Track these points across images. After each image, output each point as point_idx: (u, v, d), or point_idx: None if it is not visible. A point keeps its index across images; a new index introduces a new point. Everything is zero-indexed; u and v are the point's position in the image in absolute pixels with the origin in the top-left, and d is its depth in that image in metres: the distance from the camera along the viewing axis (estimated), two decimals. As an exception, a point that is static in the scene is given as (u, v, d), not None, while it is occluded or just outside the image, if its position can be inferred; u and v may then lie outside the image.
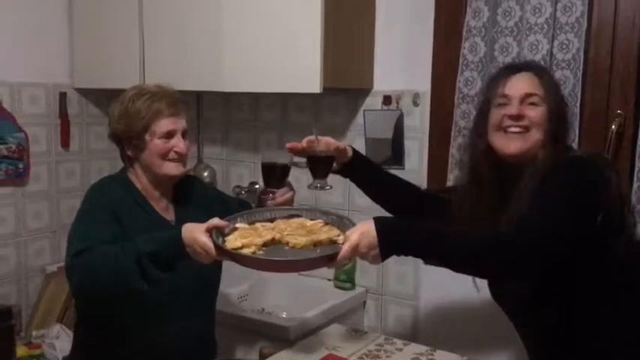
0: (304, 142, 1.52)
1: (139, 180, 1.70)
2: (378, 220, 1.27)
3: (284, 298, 2.44)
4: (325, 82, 2.05)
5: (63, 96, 2.65)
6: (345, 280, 2.42)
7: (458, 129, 2.11)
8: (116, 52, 2.52)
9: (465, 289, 2.14)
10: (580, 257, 1.34)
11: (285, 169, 1.55)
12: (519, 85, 1.43)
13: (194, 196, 1.77)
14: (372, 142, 2.36)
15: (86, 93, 2.73)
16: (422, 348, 1.82)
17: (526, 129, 1.42)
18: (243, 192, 2.62)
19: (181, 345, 1.67)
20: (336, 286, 2.43)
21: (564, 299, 1.41)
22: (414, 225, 1.34)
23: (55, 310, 2.47)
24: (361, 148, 2.37)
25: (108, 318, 1.63)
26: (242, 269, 1.76)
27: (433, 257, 1.33)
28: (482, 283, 1.61)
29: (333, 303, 2.22)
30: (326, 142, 1.54)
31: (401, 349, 1.81)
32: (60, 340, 2.29)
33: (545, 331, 1.48)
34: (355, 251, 1.25)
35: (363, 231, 1.26)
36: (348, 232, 1.27)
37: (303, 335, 1.99)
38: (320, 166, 1.55)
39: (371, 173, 1.69)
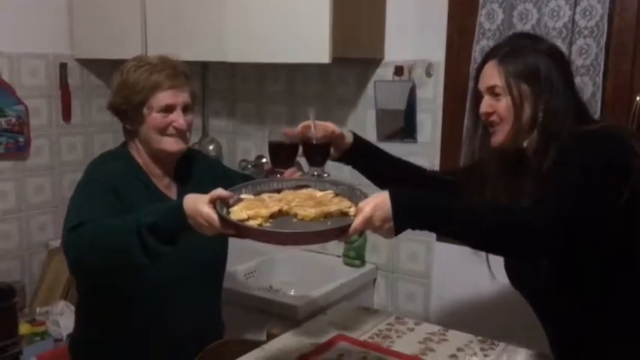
0: (300, 127, 1.45)
1: (140, 155, 1.65)
2: (393, 192, 1.21)
3: (292, 275, 2.40)
4: (334, 52, 1.98)
5: (63, 67, 2.61)
6: (355, 256, 2.38)
7: (473, 101, 2.03)
8: (117, 21, 2.46)
9: (477, 268, 2.11)
10: (603, 241, 1.28)
11: (293, 149, 1.48)
12: (484, 77, 1.41)
13: (198, 172, 1.72)
14: (382, 113, 2.29)
15: (87, 64, 2.68)
16: (434, 328, 1.80)
17: (497, 123, 1.39)
18: (249, 166, 2.57)
19: (187, 326, 1.64)
20: (346, 263, 2.39)
21: (585, 286, 1.37)
22: (430, 197, 1.28)
23: (58, 286, 2.46)
24: (372, 120, 2.32)
25: (110, 297, 1.59)
26: (249, 245, 1.73)
27: (450, 232, 1.27)
28: (497, 270, 1.56)
29: (342, 281, 2.18)
30: (324, 127, 1.47)
31: (412, 329, 1.78)
32: (64, 316, 2.28)
33: (564, 320, 1.44)
34: (368, 224, 1.19)
35: (377, 203, 1.19)
36: (360, 204, 1.21)
37: (311, 314, 1.96)
38: (315, 153, 1.47)
39: (374, 159, 1.62)
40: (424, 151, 2.21)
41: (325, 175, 1.47)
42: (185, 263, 1.60)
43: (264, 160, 2.57)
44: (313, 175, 1.45)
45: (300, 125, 1.46)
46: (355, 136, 1.57)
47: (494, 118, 1.39)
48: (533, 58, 1.37)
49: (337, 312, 1.90)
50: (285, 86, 2.55)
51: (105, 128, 2.77)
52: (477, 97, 1.45)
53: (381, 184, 1.63)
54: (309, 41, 1.99)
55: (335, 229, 1.19)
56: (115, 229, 1.33)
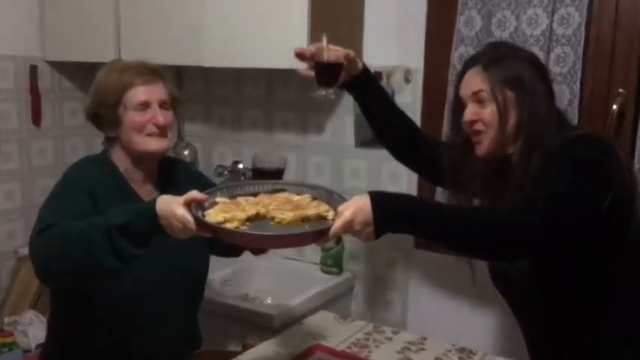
0: (313, 47, 1.46)
1: (121, 162, 1.61)
2: (373, 196, 1.20)
3: (268, 282, 2.38)
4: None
5: (33, 69, 2.56)
6: (333, 264, 2.37)
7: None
8: (90, 23, 2.42)
9: (455, 276, 2.13)
10: (584, 246, 1.29)
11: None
12: (467, 84, 1.42)
13: (180, 181, 1.68)
14: (361, 119, 2.26)
15: (58, 66, 2.64)
16: (412, 336, 1.79)
17: (482, 130, 1.41)
18: (225, 172, 2.55)
19: (165, 337, 1.60)
20: (323, 271, 2.38)
21: (566, 290, 1.38)
22: (411, 201, 1.29)
23: (27, 295, 2.40)
24: (350, 125, 2.32)
25: (84, 309, 1.55)
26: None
27: (431, 235, 1.26)
28: (479, 275, 1.57)
29: (319, 289, 2.17)
30: (336, 53, 1.47)
31: (390, 338, 1.77)
32: (33, 326, 2.23)
33: (545, 324, 1.44)
34: (348, 228, 1.18)
35: (358, 207, 1.18)
36: (340, 208, 1.19)
37: (288, 323, 1.95)
38: (327, 72, 1.47)
39: (377, 93, 1.63)
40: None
41: (332, 96, 1.49)
42: (165, 274, 1.57)
43: (240, 165, 2.55)
44: (321, 94, 1.46)
45: (314, 45, 1.46)
46: (365, 66, 1.58)
47: (478, 125, 1.40)
48: (517, 65, 1.39)
49: (314, 321, 1.88)
50: (263, 91, 2.53)
51: (76, 132, 2.73)
52: (458, 106, 1.45)
53: (376, 123, 1.66)
54: (287, 46, 1.97)
55: (314, 232, 1.18)
56: (83, 230, 1.28)
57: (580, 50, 1.83)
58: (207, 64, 2.20)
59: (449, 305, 2.20)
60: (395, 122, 1.65)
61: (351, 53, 1.51)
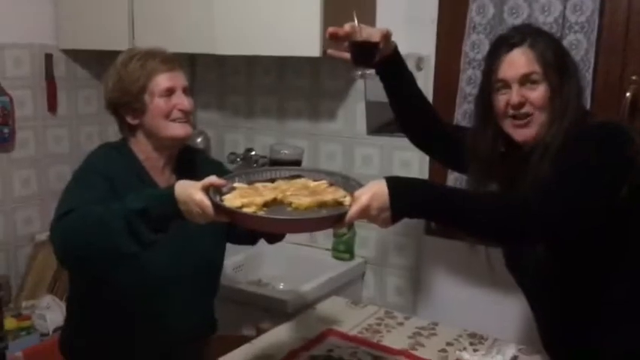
0: (347, 27, 1.42)
1: (142, 149, 1.62)
2: (390, 181, 1.19)
3: (280, 268, 2.40)
4: (325, 45, 1.96)
5: (49, 57, 2.57)
6: (344, 250, 2.38)
7: (463, 95, 2.04)
8: (104, 11, 2.43)
9: (466, 262, 2.13)
10: (600, 233, 1.29)
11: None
12: (514, 66, 1.37)
13: (197, 169, 1.68)
14: (372, 105, 2.28)
15: (73, 54, 2.65)
16: (423, 322, 1.81)
17: (530, 114, 1.37)
18: (238, 159, 2.56)
19: (180, 325, 1.62)
20: (335, 257, 2.39)
21: (581, 276, 1.38)
22: (428, 186, 1.28)
23: (45, 280, 2.43)
24: (362, 113, 2.32)
25: (101, 294, 1.57)
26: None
27: (447, 220, 1.27)
28: (495, 263, 1.57)
29: (331, 275, 2.18)
30: (367, 31, 1.44)
31: (402, 324, 1.79)
32: (50, 310, 2.26)
33: (559, 309, 1.45)
34: (365, 213, 1.18)
35: (374, 192, 1.17)
36: (356, 193, 1.19)
37: (301, 308, 1.96)
38: (363, 51, 1.44)
39: (406, 75, 1.60)
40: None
41: (371, 76, 1.46)
42: (182, 262, 1.59)
43: (253, 152, 2.56)
44: (358, 75, 1.44)
45: (347, 25, 1.42)
46: (396, 46, 1.55)
47: (526, 108, 1.36)
48: (560, 47, 1.38)
49: (326, 306, 1.90)
50: (275, 79, 2.53)
51: (91, 120, 2.74)
52: (488, 89, 1.42)
53: (400, 107, 1.63)
54: (300, 34, 1.98)
55: (331, 217, 1.18)
56: (101, 215, 1.29)
57: (593, 37, 1.81)
58: (219, 51, 2.21)
59: (459, 291, 2.21)
60: (419, 107, 1.63)
61: (390, 31, 1.47)
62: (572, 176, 1.25)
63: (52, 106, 2.60)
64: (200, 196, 1.20)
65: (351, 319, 1.79)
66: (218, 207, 1.19)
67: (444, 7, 2.10)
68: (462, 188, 1.43)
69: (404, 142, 2.21)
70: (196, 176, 1.49)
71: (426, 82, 2.15)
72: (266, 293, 2.04)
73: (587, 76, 1.82)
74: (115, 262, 1.36)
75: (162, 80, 1.57)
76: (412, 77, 1.61)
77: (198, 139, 2.64)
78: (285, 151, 1.49)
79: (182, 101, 1.58)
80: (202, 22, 2.18)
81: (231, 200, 1.21)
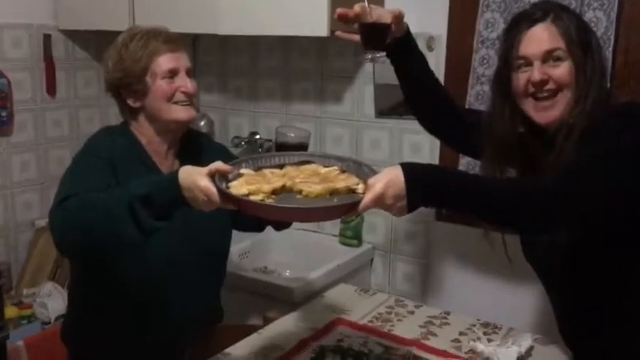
0: (357, 8, 1.35)
1: (144, 133, 1.57)
2: (405, 168, 1.14)
3: (287, 255, 2.36)
4: (333, 25, 1.90)
5: (47, 38, 2.51)
6: (352, 236, 2.33)
7: (476, 76, 1.98)
8: (103, -10, 2.36)
9: (478, 248, 2.08)
10: (622, 220, 1.24)
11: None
12: (537, 42, 1.30)
13: (201, 153, 1.64)
14: (381, 88, 2.22)
15: (72, 35, 2.59)
16: (435, 311, 1.77)
17: (554, 92, 1.31)
18: (242, 143, 2.50)
19: (187, 312, 1.58)
20: (342, 243, 2.35)
21: (602, 264, 1.33)
22: (446, 172, 1.23)
23: (46, 267, 2.39)
24: (370, 95, 2.26)
25: (104, 282, 1.53)
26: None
27: (468, 207, 1.20)
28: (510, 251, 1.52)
29: (338, 262, 2.14)
30: (377, 12, 1.37)
31: (412, 312, 1.75)
32: (52, 298, 2.22)
33: (579, 299, 1.40)
34: (379, 202, 1.12)
35: (390, 179, 1.12)
36: (371, 180, 1.14)
37: (308, 296, 1.93)
38: (374, 34, 1.37)
39: (418, 58, 1.53)
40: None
41: (381, 60, 1.39)
42: (187, 250, 1.55)
43: (257, 136, 2.51)
44: (368, 58, 1.39)
45: (357, 5, 1.35)
46: (408, 27, 1.49)
47: (550, 86, 1.30)
48: (582, 20, 1.31)
49: (335, 294, 1.86)
50: (280, 60, 2.47)
51: (91, 103, 2.69)
52: (507, 68, 1.35)
53: (412, 91, 1.57)
54: (307, 13, 1.91)
55: (343, 206, 1.12)
56: (103, 202, 1.24)
57: (613, 15, 1.75)
58: (222, 32, 2.15)
59: (471, 279, 2.16)
60: (432, 91, 1.57)
61: (402, 12, 1.41)
62: (596, 161, 1.20)
63: (51, 89, 2.55)
64: (205, 183, 1.14)
65: (360, 307, 1.76)
66: (224, 194, 1.14)
67: (457, -17, 2.03)
68: (482, 175, 1.36)
69: (414, 125, 2.15)
70: (200, 161, 1.44)
71: (437, 63, 2.08)
72: (273, 281, 1.99)
73: (607, 54, 1.76)
74: (117, 250, 1.32)
75: (165, 61, 1.52)
76: (424, 60, 1.54)
77: (202, 123, 2.58)
78: (291, 134, 1.44)
79: (185, 83, 1.54)
80: (204, 1, 2.12)
81: (237, 187, 1.16)
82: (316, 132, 2.40)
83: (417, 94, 1.58)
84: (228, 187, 1.17)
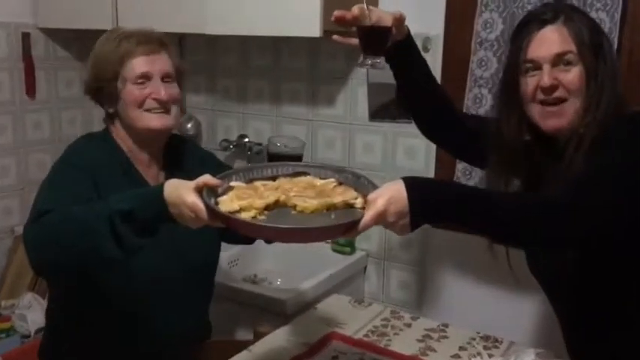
0: (355, 10, 1.28)
1: (124, 141, 1.50)
2: (408, 183, 1.07)
3: (277, 262, 2.29)
4: (326, 25, 1.84)
5: (26, 37, 2.43)
6: (345, 243, 2.27)
7: (474, 78, 1.92)
8: (85, -13, 2.27)
9: (476, 256, 2.03)
10: (635, 229, 1.18)
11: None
12: (547, 44, 1.25)
13: (190, 163, 1.57)
14: (375, 87, 2.15)
15: (52, 33, 2.51)
16: (432, 323, 1.72)
17: (563, 99, 1.26)
18: (231, 146, 2.43)
19: (171, 331, 1.51)
20: (334, 250, 2.29)
21: (614, 280, 1.28)
22: (452, 186, 1.18)
23: (26, 276, 2.31)
24: (364, 97, 2.20)
25: (86, 300, 1.45)
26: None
27: (477, 224, 1.14)
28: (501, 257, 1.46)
29: (331, 271, 2.08)
30: (377, 15, 1.30)
31: (409, 325, 1.70)
32: (32, 310, 2.15)
33: (588, 314, 1.36)
34: (381, 219, 1.06)
35: (391, 195, 1.05)
36: (371, 196, 1.07)
37: (301, 308, 1.87)
38: (374, 38, 1.30)
39: (419, 63, 1.46)
40: (420, 133, 2.08)
41: (381, 66, 1.32)
42: (173, 265, 1.48)
43: (246, 139, 2.44)
44: (367, 64, 1.31)
45: (356, 7, 1.28)
46: (409, 30, 1.42)
47: (559, 92, 1.24)
48: (594, 22, 1.26)
49: (328, 306, 1.80)
50: (270, 60, 2.40)
51: (73, 104, 2.61)
52: (514, 72, 1.30)
53: (413, 98, 1.51)
54: (299, 13, 1.85)
55: (342, 225, 1.06)
56: (81, 217, 1.17)
57: (617, 16, 1.70)
58: (210, 31, 2.07)
59: (469, 288, 2.11)
60: (433, 97, 1.50)
61: (403, 15, 1.34)
62: (606, 172, 1.14)
63: (31, 89, 2.46)
64: (193, 199, 1.07)
65: (354, 320, 1.70)
66: (213, 211, 1.07)
67: (454, -18, 1.97)
68: (491, 189, 1.30)
69: (408, 128, 2.12)
70: (187, 169, 1.37)
71: (433, 65, 1.99)
72: (264, 292, 1.93)
73: (611, 57, 1.71)
74: (97, 269, 1.25)
75: (137, 65, 1.44)
76: (425, 65, 1.48)
77: (189, 125, 2.52)
78: (285, 144, 1.36)
79: (157, 89, 1.44)
80: (192, -1, 2.05)
81: (227, 203, 1.09)
82: (308, 135, 2.34)
83: (417, 99, 1.52)
84: (217, 203, 1.10)
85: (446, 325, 1.69)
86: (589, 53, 1.23)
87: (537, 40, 1.25)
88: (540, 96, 1.26)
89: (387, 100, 2.15)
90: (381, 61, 1.31)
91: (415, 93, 1.50)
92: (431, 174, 2.11)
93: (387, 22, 1.31)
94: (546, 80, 1.24)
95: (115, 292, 1.43)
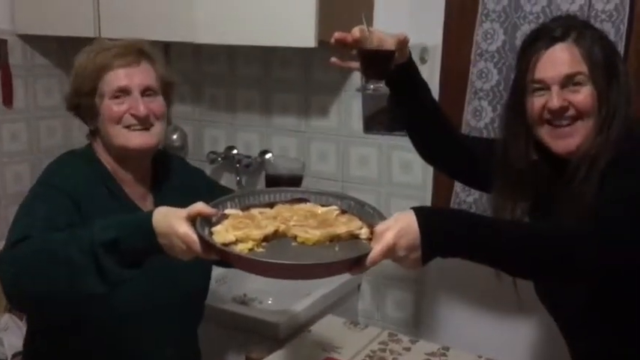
0: (356, 32, 1.23)
1: (106, 159, 1.42)
2: (419, 214, 1.01)
3: (268, 280, 2.19)
4: (321, 34, 1.78)
5: (3, 43, 2.34)
6: (338, 260, 2.20)
7: (474, 91, 1.88)
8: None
9: (475, 274, 1.97)
10: None
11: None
12: (556, 64, 1.20)
13: (179, 183, 1.50)
14: (369, 96, 2.09)
15: (31, 40, 2.43)
16: (432, 346, 1.67)
17: (574, 119, 1.21)
18: (219, 159, 2.36)
19: (159, 358, 1.44)
20: (327, 267, 2.22)
21: (627, 311, 1.24)
22: (465, 218, 1.10)
23: (2, 296, 2.21)
24: (357, 108, 2.13)
25: (67, 332, 1.37)
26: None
27: (494, 260, 1.08)
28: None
29: (324, 290, 2.01)
30: (379, 37, 1.25)
31: (409, 349, 1.65)
32: (9, 333, 2.05)
33: (600, 343, 1.31)
34: (390, 254, 1.00)
35: (401, 227, 0.99)
36: (379, 228, 1.01)
37: (294, 330, 1.81)
38: (377, 61, 1.26)
39: (420, 87, 1.41)
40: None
41: (383, 89, 1.30)
42: (161, 294, 1.40)
43: (235, 151, 2.37)
44: (369, 89, 1.27)
45: (357, 29, 1.24)
46: (410, 53, 1.37)
47: (571, 112, 1.20)
48: (608, 40, 1.21)
49: (322, 328, 1.75)
50: (260, 69, 2.33)
51: (52, 114, 2.52)
52: (521, 91, 1.25)
53: (413, 122, 1.46)
54: (292, 23, 1.79)
55: (348, 261, 1.00)
56: (62, 246, 1.10)
57: (623, 28, 1.66)
58: (198, 40, 2.01)
59: (468, 307, 2.06)
60: (433, 120, 1.46)
61: (407, 37, 1.28)
62: (632, 205, 1.09)
63: (7, 98, 2.38)
64: (185, 229, 1.01)
65: (351, 343, 1.65)
66: (207, 243, 1.00)
67: (453, -9, 1.92)
68: (507, 220, 1.25)
69: (404, 141, 2.04)
70: (176, 189, 1.29)
71: (431, 76, 1.97)
72: (255, 315, 1.85)
73: (616, 71, 1.67)
74: (77, 302, 1.16)
75: (114, 79, 1.36)
76: (427, 88, 1.43)
77: (174, 136, 2.44)
78: (283, 166, 1.30)
79: (136, 104, 1.37)
80: (179, 6, 1.97)
81: (222, 233, 1.03)
82: (300, 148, 2.27)
83: (416, 122, 1.48)
84: (211, 233, 1.03)
85: (447, 349, 1.65)
86: (601, 74, 1.19)
87: (546, 59, 1.21)
88: (547, 116, 1.22)
89: (382, 107, 2.09)
90: (382, 85, 1.27)
91: (415, 116, 1.45)
92: (428, 189, 2.05)
93: (390, 44, 1.26)
94: (556, 103, 1.20)
95: (99, 320, 1.35)
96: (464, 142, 1.52)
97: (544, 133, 1.24)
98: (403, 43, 1.28)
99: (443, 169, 1.64)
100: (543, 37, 1.23)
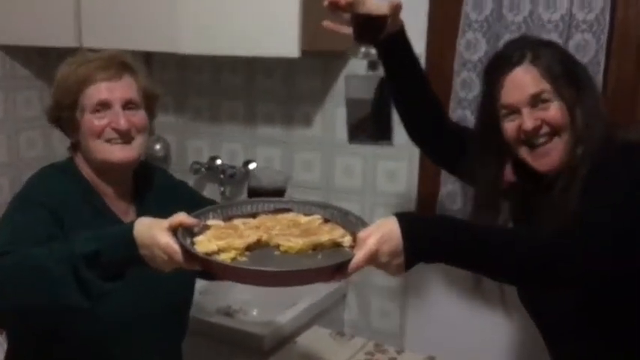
0: None
1: (87, 173, 1.42)
2: (401, 220, 1.03)
3: (252, 291, 2.18)
4: (304, 45, 1.78)
5: (-19, 54, 2.32)
6: (323, 270, 2.20)
7: (458, 100, 1.89)
8: (46, 1, 2.17)
9: (460, 282, 1.99)
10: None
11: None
12: (519, 87, 1.24)
13: (160, 194, 1.49)
14: (353, 103, 2.10)
15: (10, 51, 2.40)
16: (418, 357, 1.71)
17: (550, 136, 1.25)
18: (202, 169, 2.36)
19: None
20: (312, 277, 2.22)
21: (612, 320, 1.26)
22: (448, 223, 1.11)
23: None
24: (342, 118, 2.14)
25: (48, 347, 1.36)
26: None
27: (477, 265, 1.10)
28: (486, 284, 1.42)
29: (310, 301, 2.00)
30: (373, 3, 1.28)
31: (394, 359, 1.64)
32: (-11, 349, 2.01)
33: (582, 351, 1.33)
34: (373, 260, 1.01)
35: (384, 233, 1.01)
36: (361, 234, 1.02)
37: (279, 342, 1.80)
38: (370, 26, 1.29)
39: (411, 59, 1.42)
40: (401, 155, 2.06)
41: (374, 55, 1.32)
42: (144, 305, 1.39)
43: (218, 161, 2.36)
44: (359, 53, 1.29)
45: None
46: (403, 23, 1.38)
47: (546, 129, 1.23)
48: (565, 53, 1.24)
49: (308, 340, 1.77)
50: (244, 79, 2.34)
51: (32, 124, 2.49)
52: (493, 117, 1.28)
53: (402, 95, 1.47)
54: (275, 33, 1.79)
55: (331, 267, 1.00)
56: (42, 260, 1.08)
57: (604, 38, 1.68)
58: (182, 50, 2.00)
59: (453, 315, 2.06)
60: (424, 96, 1.46)
61: (400, 3, 1.29)
62: (611, 206, 1.11)
63: (-14, 110, 2.35)
64: (166, 240, 1.01)
65: (337, 355, 1.67)
66: (189, 253, 1.01)
67: (436, 1, 1.94)
68: (491, 226, 1.27)
69: (389, 151, 2.08)
70: (159, 202, 1.29)
71: (414, 85, 1.99)
72: (240, 327, 1.85)
73: (597, 80, 1.69)
74: (58, 317, 1.16)
75: (95, 92, 1.36)
76: (418, 62, 1.44)
77: (157, 146, 2.43)
78: (267, 178, 1.31)
79: (117, 118, 1.36)
80: (162, 15, 1.97)
81: (204, 243, 1.03)
82: (284, 158, 2.28)
83: (408, 99, 1.48)
84: (193, 243, 1.03)
85: (432, 358, 1.66)
86: (565, 87, 1.22)
87: (509, 84, 1.25)
88: (523, 137, 1.25)
89: (366, 114, 2.10)
90: (374, 51, 1.30)
91: (406, 92, 1.46)
92: (413, 198, 2.07)
93: (383, 10, 1.28)
94: (529, 124, 1.23)
95: (81, 332, 1.34)
96: (453, 127, 1.54)
97: (524, 153, 1.28)
98: (396, 9, 1.30)
99: (430, 153, 1.64)
100: (502, 63, 1.27)
